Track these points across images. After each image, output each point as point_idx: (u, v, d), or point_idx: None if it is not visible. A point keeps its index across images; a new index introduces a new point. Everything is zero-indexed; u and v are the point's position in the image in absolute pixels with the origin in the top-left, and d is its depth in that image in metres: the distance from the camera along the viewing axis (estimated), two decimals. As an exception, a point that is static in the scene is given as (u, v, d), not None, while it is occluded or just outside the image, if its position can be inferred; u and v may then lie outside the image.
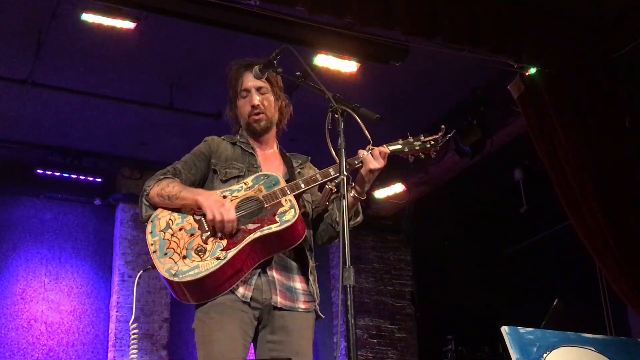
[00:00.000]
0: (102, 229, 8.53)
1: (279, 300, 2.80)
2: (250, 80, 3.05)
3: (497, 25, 5.80)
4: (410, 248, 9.56)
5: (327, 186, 2.83)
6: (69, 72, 6.70)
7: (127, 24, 5.79)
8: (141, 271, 3.01)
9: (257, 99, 3.03)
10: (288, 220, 2.76)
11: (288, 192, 2.83)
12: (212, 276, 2.68)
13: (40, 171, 8.04)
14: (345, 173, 2.53)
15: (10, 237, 8.21)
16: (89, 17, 5.69)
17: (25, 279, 8.14)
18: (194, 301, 2.77)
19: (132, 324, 2.94)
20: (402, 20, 5.45)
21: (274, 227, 2.75)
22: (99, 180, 8.26)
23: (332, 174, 2.84)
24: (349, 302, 2.33)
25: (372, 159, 2.83)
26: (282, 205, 2.81)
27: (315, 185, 2.91)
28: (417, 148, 2.94)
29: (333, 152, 2.60)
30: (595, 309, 7.64)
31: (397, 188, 8.47)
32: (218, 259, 2.69)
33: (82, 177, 8.22)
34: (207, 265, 2.68)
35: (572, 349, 3.27)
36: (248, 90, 3.05)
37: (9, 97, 6.98)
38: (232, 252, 2.70)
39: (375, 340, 8.98)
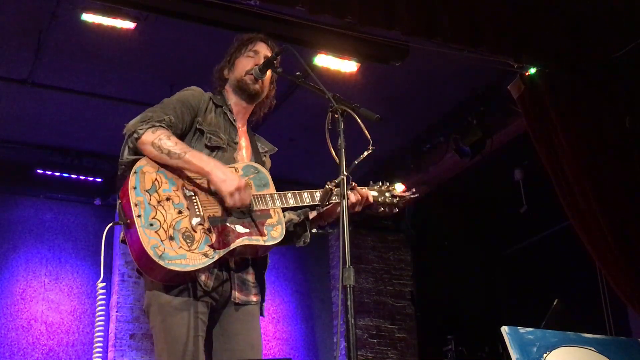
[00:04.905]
0: (102, 229, 8.45)
1: (237, 295, 2.82)
2: (263, 48, 3.08)
3: (497, 25, 5.80)
4: (410, 248, 9.56)
5: (327, 186, 2.83)
6: (69, 72, 6.70)
7: (127, 24, 5.78)
8: (110, 224, 2.83)
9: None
10: (275, 238, 2.77)
11: (277, 203, 2.83)
12: (196, 271, 2.65)
13: (40, 171, 8.03)
14: (345, 173, 2.53)
15: (11, 237, 8.20)
16: (89, 17, 5.69)
17: (25, 279, 8.14)
18: (161, 282, 2.69)
19: (100, 282, 2.83)
20: (402, 20, 5.45)
21: (261, 241, 2.75)
22: (99, 180, 8.25)
23: (317, 197, 2.87)
24: (349, 302, 2.33)
25: (357, 204, 2.95)
26: (270, 216, 2.80)
27: (301, 206, 2.91)
28: (388, 201, 3.11)
29: (333, 152, 2.60)
30: (595, 309, 7.64)
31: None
32: (206, 256, 2.62)
33: (82, 177, 8.20)
34: (195, 259, 2.60)
35: (572, 349, 3.27)
36: (257, 52, 3.06)
37: (9, 97, 6.97)
38: (220, 253, 2.66)
39: (375, 340, 8.98)
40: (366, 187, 3.06)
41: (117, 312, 8.14)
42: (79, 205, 8.64)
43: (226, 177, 2.68)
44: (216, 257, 2.64)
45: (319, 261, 9.40)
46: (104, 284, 2.83)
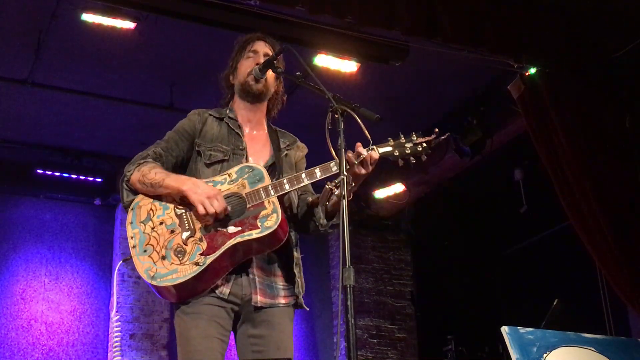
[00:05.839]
0: (102, 229, 8.53)
1: (259, 299, 2.81)
2: (261, 46, 3.08)
3: (497, 25, 5.80)
4: (410, 248, 9.56)
5: (327, 186, 2.82)
6: (69, 72, 6.70)
7: (127, 24, 5.78)
8: (120, 261, 3.00)
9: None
10: (269, 227, 2.72)
11: (272, 192, 2.77)
12: (190, 282, 2.67)
13: (40, 171, 8.02)
14: (345, 173, 2.53)
15: (10, 237, 8.20)
16: (89, 17, 5.69)
17: (25, 279, 8.14)
18: (173, 301, 2.80)
19: (114, 316, 2.97)
20: (402, 20, 5.46)
21: (254, 234, 2.72)
22: (99, 180, 8.25)
23: (317, 174, 2.79)
24: (349, 302, 2.33)
25: (364, 168, 2.75)
26: (264, 208, 2.76)
27: (300, 187, 2.82)
28: (408, 151, 2.82)
29: (333, 152, 2.60)
30: (595, 309, 7.64)
31: (397, 188, 8.47)
32: (197, 264, 2.67)
33: (82, 177, 8.20)
34: (185, 270, 2.66)
35: (572, 349, 3.27)
36: (256, 52, 3.06)
37: (9, 97, 6.97)
38: (210, 258, 2.68)
39: (375, 340, 8.97)
40: (375, 146, 2.81)
41: (117, 312, 8.13)
42: (79, 205, 8.64)
43: (197, 189, 2.72)
44: (208, 262, 2.67)
45: (319, 261, 9.39)
46: (119, 316, 2.94)
